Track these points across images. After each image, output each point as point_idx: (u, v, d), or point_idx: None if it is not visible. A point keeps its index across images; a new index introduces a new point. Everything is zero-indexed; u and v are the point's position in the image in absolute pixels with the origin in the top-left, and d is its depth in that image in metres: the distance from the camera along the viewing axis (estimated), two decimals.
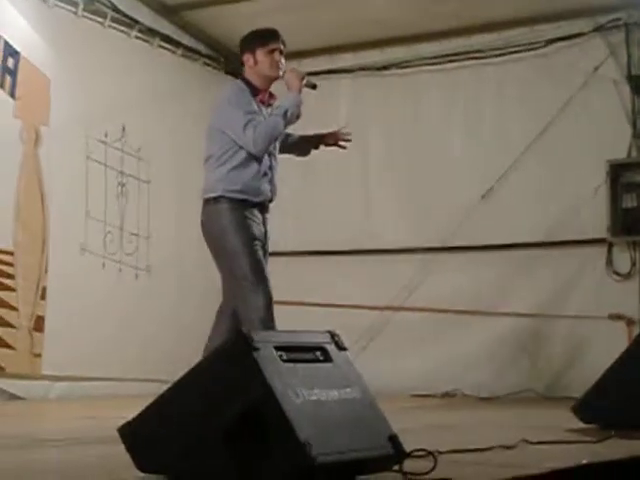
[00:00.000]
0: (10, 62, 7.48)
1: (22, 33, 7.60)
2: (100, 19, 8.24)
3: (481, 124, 8.72)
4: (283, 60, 5.10)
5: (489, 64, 8.68)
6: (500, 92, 8.65)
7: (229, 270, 4.96)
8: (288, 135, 5.30)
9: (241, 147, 4.94)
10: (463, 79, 8.81)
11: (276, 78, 5.10)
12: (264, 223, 5.07)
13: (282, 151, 5.32)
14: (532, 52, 8.48)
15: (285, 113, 4.94)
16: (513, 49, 8.54)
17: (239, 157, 4.96)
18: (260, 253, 4.94)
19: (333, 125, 8.86)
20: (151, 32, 8.71)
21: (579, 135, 8.31)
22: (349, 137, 5.39)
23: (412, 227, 8.81)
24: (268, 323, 4.88)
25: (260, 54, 5.05)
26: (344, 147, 5.39)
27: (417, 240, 8.76)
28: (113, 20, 8.34)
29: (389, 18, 8.48)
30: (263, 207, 5.07)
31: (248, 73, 5.09)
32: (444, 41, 8.76)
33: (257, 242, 4.95)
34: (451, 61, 8.81)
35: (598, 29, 8.26)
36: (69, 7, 7.98)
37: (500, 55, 8.60)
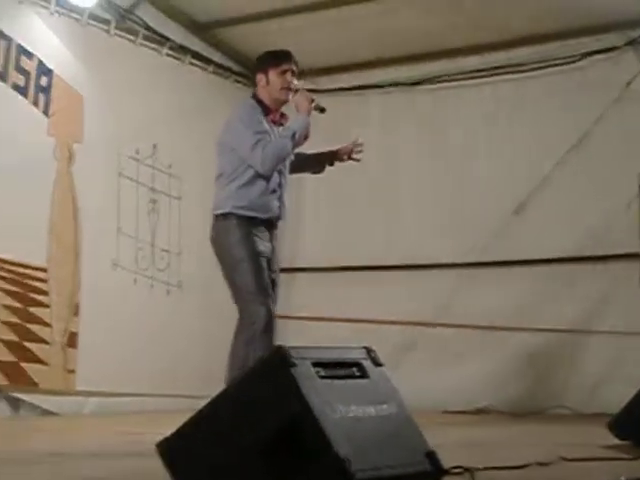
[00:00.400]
0: (44, 80, 7.55)
1: (55, 51, 7.67)
2: (132, 37, 8.31)
3: (514, 138, 8.68)
4: (295, 81, 5.16)
5: (522, 78, 8.65)
6: (534, 106, 8.61)
7: (233, 283, 5.02)
8: (299, 154, 5.34)
9: (250, 165, 4.98)
10: (496, 93, 8.78)
11: (285, 102, 5.16)
12: (271, 240, 5.13)
13: (296, 171, 5.38)
14: (568, 66, 8.45)
15: (293, 135, 5.02)
16: (549, 63, 8.52)
17: (248, 174, 5.04)
18: (264, 269, 5.01)
19: (363, 139, 8.97)
20: (182, 49, 8.78)
21: (612, 149, 8.26)
22: (361, 149, 5.39)
23: (444, 242, 8.78)
24: (268, 336, 4.93)
25: (272, 74, 5.12)
26: (358, 160, 5.40)
27: (449, 256, 8.73)
28: (145, 38, 8.41)
29: (421, 32, 8.49)
30: (271, 224, 5.14)
31: (260, 92, 5.16)
32: (476, 56, 8.74)
33: (262, 258, 5.01)
34: (483, 76, 8.79)
35: (631, 43, 8.23)
36: (101, 25, 8.06)
37: (534, 69, 8.58)
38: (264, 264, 5.02)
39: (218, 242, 5.10)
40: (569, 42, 8.42)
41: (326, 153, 5.43)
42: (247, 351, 4.90)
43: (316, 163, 5.48)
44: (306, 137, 5.10)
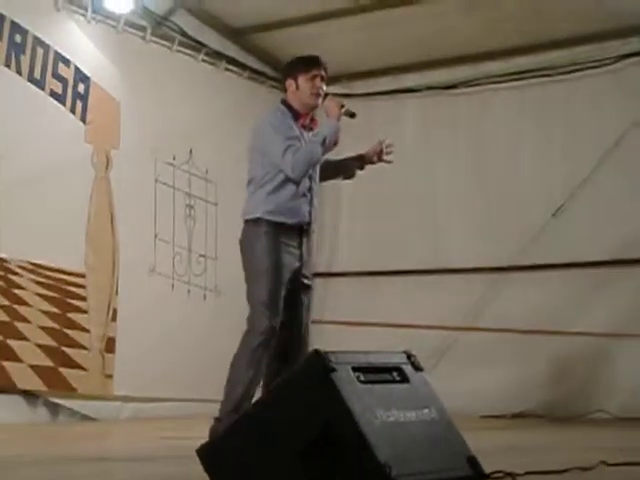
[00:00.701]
0: (81, 87, 7.61)
1: (92, 58, 7.74)
2: (168, 43, 8.36)
3: (550, 142, 8.65)
4: (324, 86, 5.14)
5: (557, 81, 8.62)
6: (569, 109, 8.58)
7: (250, 289, 5.04)
8: (328, 161, 5.31)
9: (281, 170, 5.00)
10: (531, 97, 8.76)
11: (315, 106, 5.16)
12: (301, 246, 5.08)
13: (326, 178, 5.35)
14: (601, 69, 8.40)
15: (324, 140, 5.00)
16: (581, 66, 8.48)
17: (278, 179, 5.02)
18: (283, 284, 4.97)
19: (399, 143, 8.95)
20: (217, 55, 8.81)
21: None
22: (391, 149, 5.31)
23: (481, 246, 8.76)
24: (265, 350, 4.95)
25: (302, 80, 5.09)
26: (389, 161, 5.33)
27: (487, 259, 8.71)
28: (180, 44, 8.45)
29: (455, 36, 8.47)
30: (301, 230, 5.10)
31: (290, 98, 5.14)
32: (511, 59, 8.72)
33: (286, 270, 4.97)
34: (518, 79, 8.76)
35: None
36: (137, 32, 8.11)
37: (568, 72, 8.54)
38: (285, 278, 4.98)
39: (245, 248, 5.09)
40: (603, 45, 8.37)
41: (354, 157, 5.37)
42: (249, 360, 4.92)
43: (346, 168, 5.41)
44: (336, 142, 5.09)
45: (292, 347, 5.08)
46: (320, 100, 5.11)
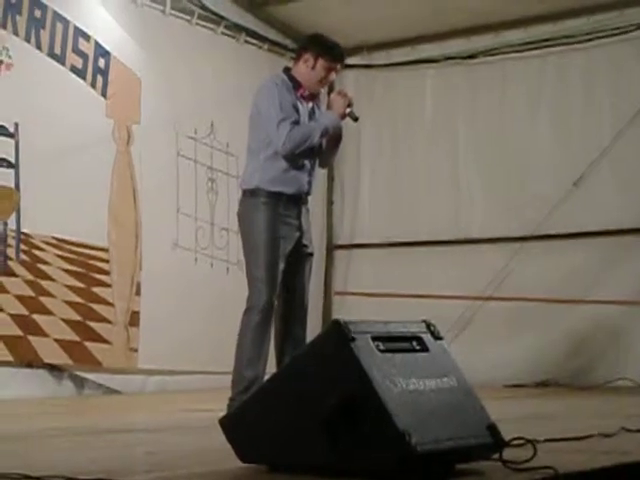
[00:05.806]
0: (101, 62, 7.63)
1: (112, 33, 7.74)
2: (187, 17, 8.36)
3: (570, 111, 8.61)
4: (333, 77, 5.16)
5: (577, 50, 8.57)
6: (589, 78, 8.54)
7: (248, 263, 5.04)
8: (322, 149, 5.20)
9: (272, 141, 4.95)
10: (550, 66, 8.72)
11: (317, 93, 5.16)
12: (300, 216, 5.07)
13: (330, 153, 5.25)
14: (622, 37, 8.34)
15: (325, 131, 4.98)
16: (601, 34, 8.42)
17: (273, 147, 4.97)
18: (281, 256, 4.95)
19: (419, 114, 8.95)
20: (237, 28, 8.80)
21: None
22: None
23: (502, 216, 8.76)
24: (267, 326, 4.98)
25: (321, 64, 5.05)
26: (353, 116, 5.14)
27: (507, 229, 8.71)
28: (200, 17, 8.44)
29: (474, 6, 8.43)
30: (300, 199, 5.07)
31: (299, 69, 5.09)
32: (531, 28, 8.68)
33: (282, 243, 4.96)
34: (538, 48, 8.72)
35: None
36: (157, 6, 8.11)
37: (588, 40, 8.49)
38: (284, 250, 4.97)
39: (244, 219, 5.06)
40: (624, 12, 8.31)
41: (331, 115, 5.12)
42: (253, 337, 4.98)
43: (335, 135, 5.16)
44: (339, 140, 5.09)
45: (294, 314, 5.11)
46: (322, 88, 5.13)
